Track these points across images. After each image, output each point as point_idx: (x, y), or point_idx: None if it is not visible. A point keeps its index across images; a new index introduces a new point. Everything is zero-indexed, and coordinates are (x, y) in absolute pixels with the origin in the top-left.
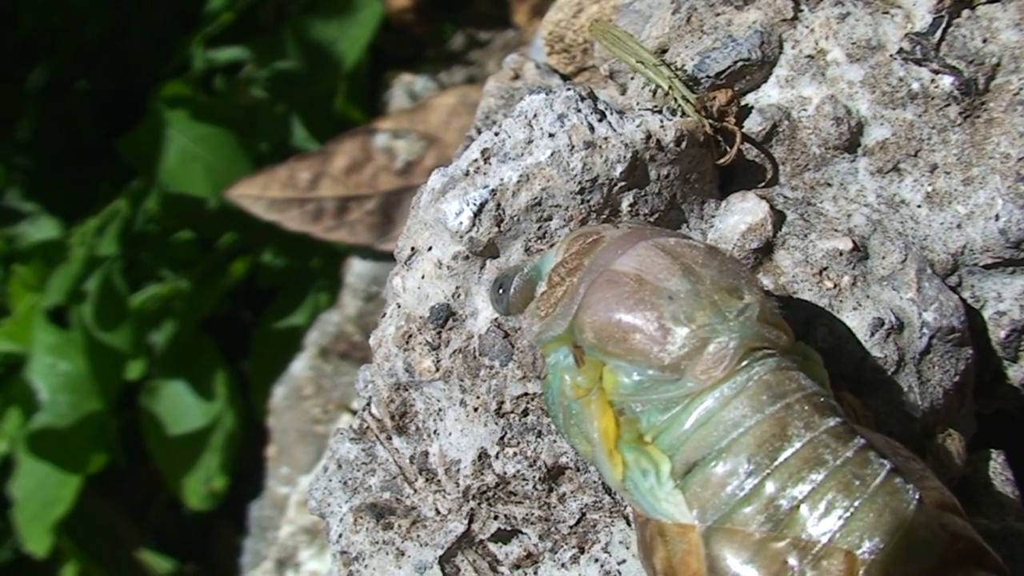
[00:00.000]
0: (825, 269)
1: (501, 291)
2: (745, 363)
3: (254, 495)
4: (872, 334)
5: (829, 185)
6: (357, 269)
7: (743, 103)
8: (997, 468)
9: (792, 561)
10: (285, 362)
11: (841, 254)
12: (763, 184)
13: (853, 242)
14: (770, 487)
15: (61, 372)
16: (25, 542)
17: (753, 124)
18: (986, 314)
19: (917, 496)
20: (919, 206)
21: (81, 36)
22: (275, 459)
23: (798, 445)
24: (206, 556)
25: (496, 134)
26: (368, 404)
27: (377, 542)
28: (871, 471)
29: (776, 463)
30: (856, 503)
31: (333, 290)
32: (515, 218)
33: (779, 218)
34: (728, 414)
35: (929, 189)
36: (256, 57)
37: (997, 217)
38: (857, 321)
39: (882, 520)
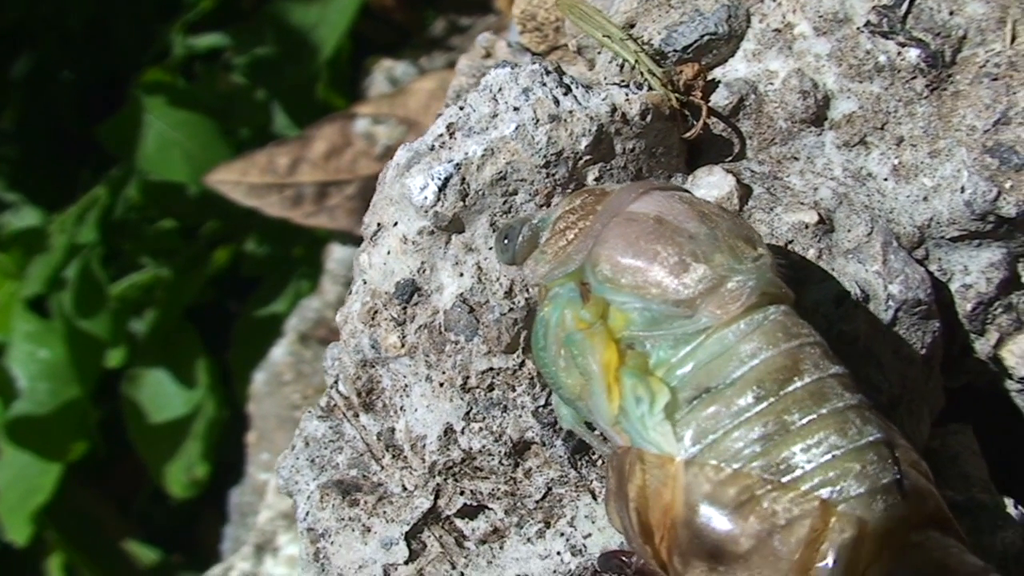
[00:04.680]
0: (790, 242)
1: (507, 241)
2: (760, 306)
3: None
4: (838, 306)
5: (796, 159)
6: (337, 255)
7: (710, 77)
8: (964, 441)
9: (768, 504)
10: (267, 350)
11: (807, 227)
12: (730, 158)
13: (819, 215)
14: (771, 413)
15: (40, 360)
16: (6, 531)
17: (720, 98)
18: (953, 287)
19: (898, 470)
20: (886, 179)
21: (65, 26)
22: (255, 445)
23: (808, 379)
24: (192, 546)
25: (461, 108)
26: (336, 382)
27: (343, 519)
28: (868, 429)
29: (784, 392)
30: (848, 447)
31: (315, 277)
32: (480, 192)
33: (745, 192)
34: (744, 347)
35: (896, 162)
36: (235, 44)
37: (963, 189)
38: (822, 293)
39: (865, 473)
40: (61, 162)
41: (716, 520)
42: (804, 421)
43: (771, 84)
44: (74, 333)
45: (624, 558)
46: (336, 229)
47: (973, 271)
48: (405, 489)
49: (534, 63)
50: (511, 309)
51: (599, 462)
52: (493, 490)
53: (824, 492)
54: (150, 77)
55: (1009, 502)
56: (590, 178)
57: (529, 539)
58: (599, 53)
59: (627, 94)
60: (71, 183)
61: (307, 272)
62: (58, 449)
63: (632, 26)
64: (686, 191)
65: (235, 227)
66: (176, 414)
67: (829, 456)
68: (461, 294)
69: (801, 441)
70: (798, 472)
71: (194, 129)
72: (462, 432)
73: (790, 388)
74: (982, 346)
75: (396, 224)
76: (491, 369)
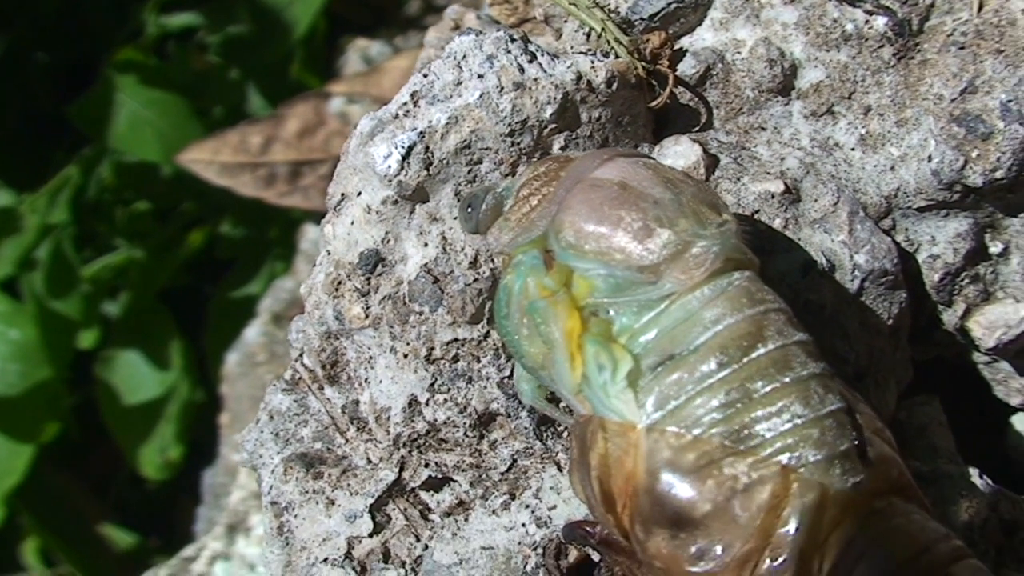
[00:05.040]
0: (757, 212)
1: (470, 210)
2: (724, 272)
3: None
4: (803, 276)
5: (763, 129)
6: (311, 235)
7: (677, 46)
8: (931, 413)
9: (729, 470)
10: (242, 331)
11: (773, 196)
12: (697, 128)
13: (785, 184)
14: (734, 380)
15: (11, 340)
16: None
17: (687, 67)
18: (920, 258)
19: (855, 436)
20: (853, 149)
21: (39, 7)
22: (228, 426)
23: (772, 346)
24: (169, 530)
25: (425, 76)
26: (300, 354)
27: (307, 492)
28: (830, 399)
29: (747, 359)
30: (809, 415)
31: (289, 259)
32: (444, 161)
33: (712, 162)
34: (708, 312)
35: (863, 131)
36: (209, 22)
37: (930, 159)
38: (788, 263)
39: (824, 440)
40: (35, 144)
41: (677, 487)
42: (767, 389)
43: (738, 53)
44: (45, 314)
45: (588, 528)
46: (310, 209)
47: (940, 241)
48: (370, 462)
49: (498, 30)
50: (476, 279)
51: (564, 433)
52: (458, 462)
53: (783, 458)
54: (122, 56)
55: (974, 472)
56: (555, 147)
57: (494, 511)
58: (566, 22)
59: (593, 62)
60: (45, 165)
61: (282, 253)
62: (30, 430)
63: None
64: (651, 158)
65: (210, 209)
66: (150, 396)
67: (790, 425)
68: (425, 264)
69: (763, 409)
70: (758, 440)
71: (166, 108)
72: (427, 404)
73: (754, 355)
74: (949, 317)
75: (360, 194)
76: (456, 340)
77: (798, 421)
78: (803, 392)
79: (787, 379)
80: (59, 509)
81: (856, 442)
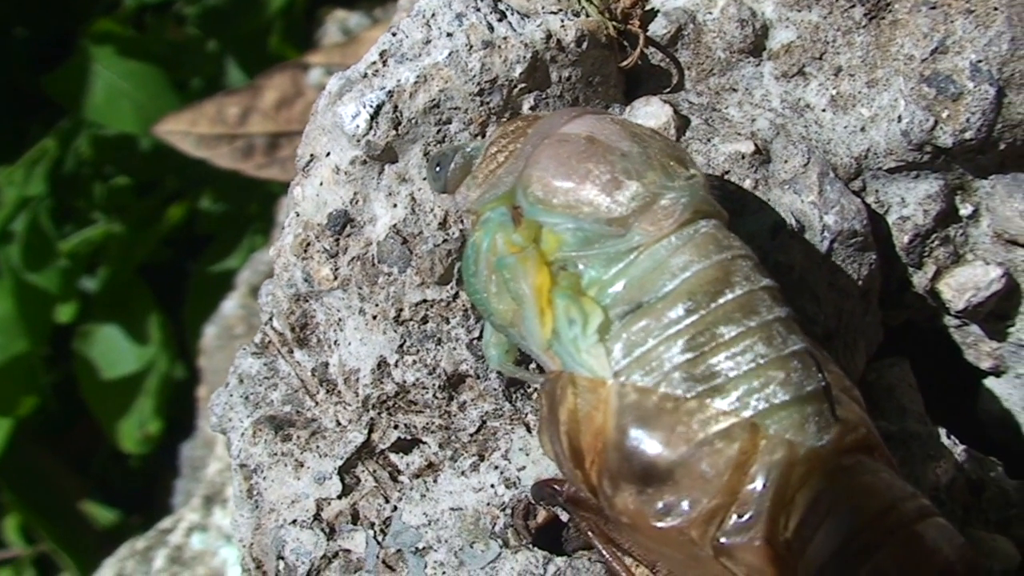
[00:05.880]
0: (727, 173)
1: (439, 168)
2: (692, 222)
3: None
4: (773, 237)
5: (734, 90)
6: None
7: (648, 6)
8: (900, 374)
9: (697, 424)
10: (221, 306)
11: (743, 157)
12: (668, 89)
13: (755, 145)
14: (701, 325)
15: None
16: None
17: (658, 27)
18: (890, 219)
19: (824, 381)
20: (823, 110)
21: None
22: (206, 399)
23: (739, 292)
24: (151, 507)
25: (394, 35)
26: (270, 318)
27: (276, 454)
28: (792, 339)
29: (715, 304)
30: (772, 356)
31: (268, 232)
32: (413, 121)
33: (683, 123)
34: (676, 260)
35: (833, 92)
36: None
37: (900, 119)
38: (758, 224)
39: (789, 380)
40: (14, 119)
41: (646, 443)
42: (733, 333)
43: (710, 13)
44: (22, 287)
45: (556, 486)
46: (287, 181)
47: (910, 203)
48: (339, 424)
49: None
50: (445, 240)
51: (534, 395)
52: (427, 424)
53: (750, 401)
54: (99, 27)
55: (942, 432)
56: (525, 107)
57: (463, 472)
58: None
59: (563, 21)
60: (22, 138)
61: (262, 228)
62: (7, 404)
63: None
64: (618, 116)
65: (189, 183)
66: (128, 370)
67: (753, 364)
68: (394, 225)
69: (727, 350)
70: (722, 380)
71: (143, 79)
72: (396, 365)
73: (721, 300)
74: (919, 279)
75: (328, 154)
76: (425, 301)
77: (761, 361)
78: (766, 333)
79: (753, 323)
80: (40, 486)
81: (823, 384)
